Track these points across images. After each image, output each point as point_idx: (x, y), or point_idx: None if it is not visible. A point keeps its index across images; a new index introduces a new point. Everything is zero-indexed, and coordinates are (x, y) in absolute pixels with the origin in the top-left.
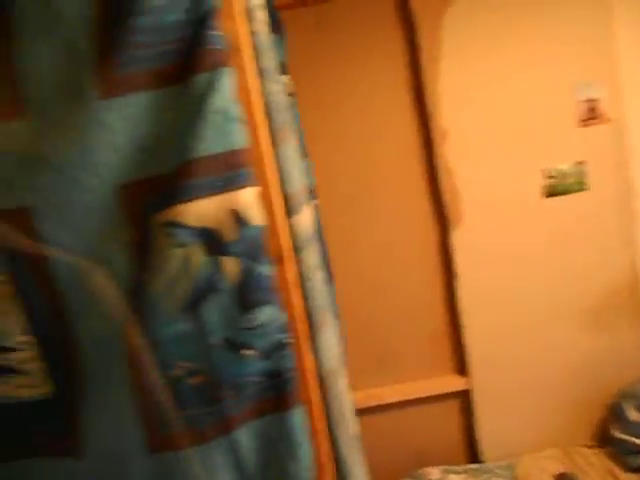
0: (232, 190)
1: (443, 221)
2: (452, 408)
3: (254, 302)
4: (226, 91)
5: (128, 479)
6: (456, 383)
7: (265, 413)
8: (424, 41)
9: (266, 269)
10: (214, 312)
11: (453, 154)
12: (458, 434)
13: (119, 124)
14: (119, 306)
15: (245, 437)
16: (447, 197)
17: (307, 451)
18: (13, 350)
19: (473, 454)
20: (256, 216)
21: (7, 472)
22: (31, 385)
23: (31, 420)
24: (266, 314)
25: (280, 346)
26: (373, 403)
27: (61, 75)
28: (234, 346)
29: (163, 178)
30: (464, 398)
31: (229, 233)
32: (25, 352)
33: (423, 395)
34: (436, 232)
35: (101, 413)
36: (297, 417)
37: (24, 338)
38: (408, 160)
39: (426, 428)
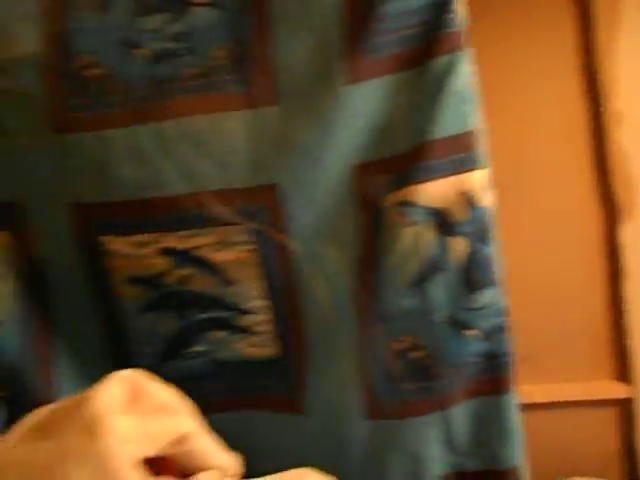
0: (464, 172)
1: (611, 213)
2: (609, 416)
3: (479, 283)
4: (463, 74)
5: (346, 439)
6: (616, 390)
7: (480, 394)
8: (601, 14)
9: (491, 251)
10: (440, 290)
11: (629, 139)
12: (614, 445)
13: (361, 107)
14: (348, 280)
15: (459, 415)
16: (618, 186)
17: (518, 438)
18: (250, 313)
19: (631, 470)
20: (485, 198)
21: (234, 418)
22: (261, 345)
23: (258, 377)
24: (489, 296)
25: (499, 329)
26: (521, 401)
27: (312, 63)
28: (457, 325)
29: (396, 159)
30: (624, 407)
31: (459, 214)
32: (260, 315)
33: (576, 399)
34: (601, 225)
35: (323, 377)
36: (511, 402)
37: (262, 302)
38: (571, 146)
39: (576, 434)
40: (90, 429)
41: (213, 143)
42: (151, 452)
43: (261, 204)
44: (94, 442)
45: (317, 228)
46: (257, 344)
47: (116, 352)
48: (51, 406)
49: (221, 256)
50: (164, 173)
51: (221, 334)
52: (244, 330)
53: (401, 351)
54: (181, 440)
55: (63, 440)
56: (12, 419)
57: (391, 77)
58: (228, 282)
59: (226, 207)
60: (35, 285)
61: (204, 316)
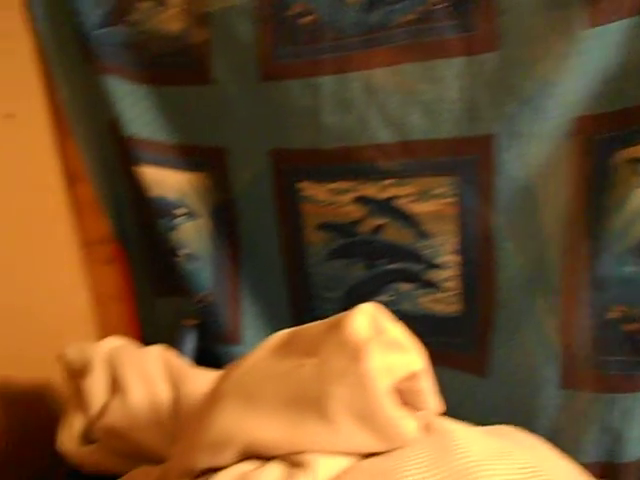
0: None
1: None
2: None
3: None
4: None
5: (535, 406)
6: None
7: None
8: None
9: None
10: None
11: None
12: None
13: (596, 54)
14: (555, 242)
15: None
16: None
17: None
18: (440, 268)
19: None
20: None
21: None
22: (446, 302)
23: (440, 333)
24: None
25: None
26: None
27: (543, 5)
28: None
29: (630, 111)
30: None
31: None
32: (449, 270)
33: None
34: None
35: (509, 340)
36: None
37: (452, 258)
38: None
39: None
40: (354, 354)
41: (424, 92)
42: (392, 383)
43: (471, 155)
44: (358, 366)
45: (527, 183)
46: (442, 300)
47: (297, 295)
48: (294, 330)
49: (419, 207)
50: (370, 121)
51: (407, 286)
52: (431, 285)
53: (613, 321)
54: (411, 377)
55: (327, 360)
56: (200, 347)
57: (634, 18)
58: (423, 235)
59: (432, 157)
60: (228, 226)
61: (393, 267)
